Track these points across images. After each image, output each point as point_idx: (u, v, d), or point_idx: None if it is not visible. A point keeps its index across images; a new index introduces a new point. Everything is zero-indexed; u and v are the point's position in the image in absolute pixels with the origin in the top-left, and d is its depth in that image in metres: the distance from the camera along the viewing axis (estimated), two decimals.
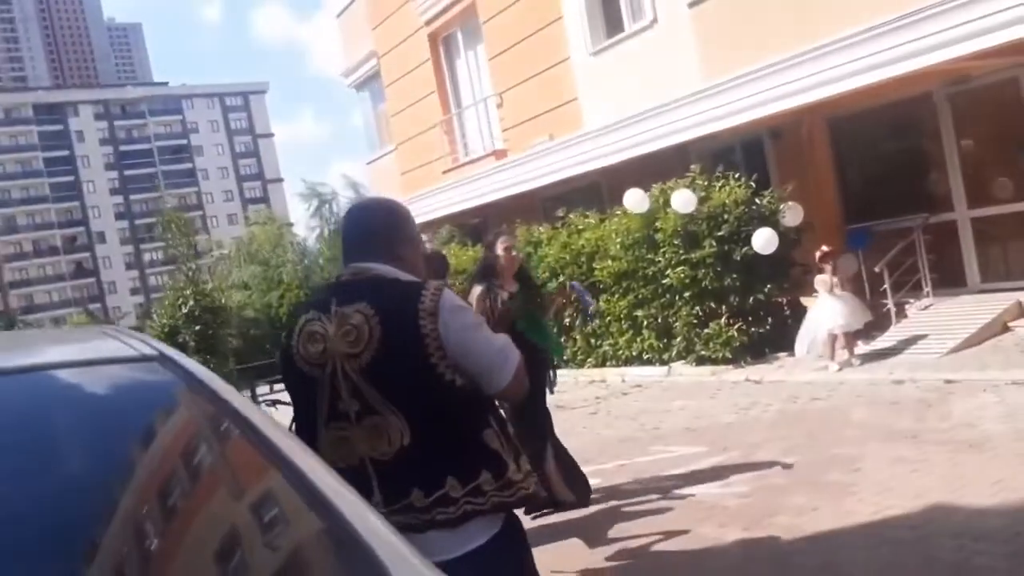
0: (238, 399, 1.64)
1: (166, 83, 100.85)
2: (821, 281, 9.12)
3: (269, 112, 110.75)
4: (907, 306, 9.83)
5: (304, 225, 42.57)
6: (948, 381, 7.48)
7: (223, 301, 20.53)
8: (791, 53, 9.19)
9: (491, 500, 2.15)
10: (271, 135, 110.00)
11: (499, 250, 5.35)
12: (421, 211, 16.49)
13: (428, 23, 16.32)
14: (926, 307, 9.69)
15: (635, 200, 10.68)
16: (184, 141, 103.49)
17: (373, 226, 2.39)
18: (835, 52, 8.76)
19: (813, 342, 9.13)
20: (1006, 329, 8.72)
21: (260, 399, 10.52)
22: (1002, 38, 7.55)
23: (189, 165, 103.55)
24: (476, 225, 15.73)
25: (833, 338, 8.92)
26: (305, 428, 2.28)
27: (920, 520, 4.51)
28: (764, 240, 9.64)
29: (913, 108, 10.33)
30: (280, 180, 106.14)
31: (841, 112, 10.62)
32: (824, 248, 9.30)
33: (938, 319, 9.27)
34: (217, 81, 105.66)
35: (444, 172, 16.17)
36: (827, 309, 8.97)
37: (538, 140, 13.66)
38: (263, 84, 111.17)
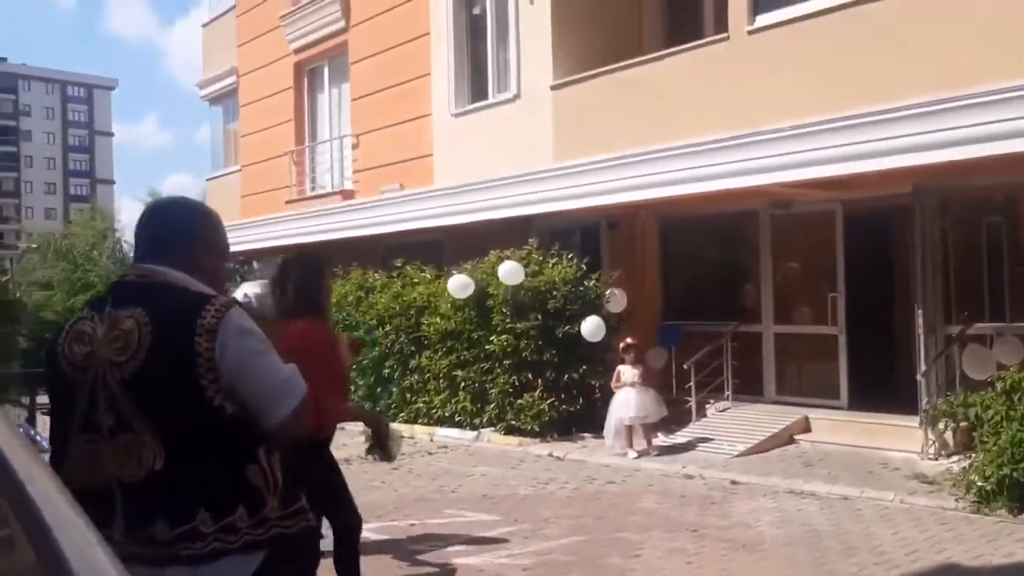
0: None
1: (4, 59, 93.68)
2: (623, 372, 9.45)
3: (113, 110, 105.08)
4: (708, 406, 10.34)
5: (131, 231, 40.33)
6: (734, 482, 7.87)
7: (18, 296, 18.95)
8: (633, 151, 9.66)
9: (243, 539, 1.99)
10: (111, 134, 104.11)
11: None
12: (257, 237, 16.02)
13: (297, 52, 16.10)
14: (724, 409, 10.23)
15: (459, 285, 10.70)
16: (12, 123, 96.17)
17: (172, 226, 2.20)
18: (672, 158, 9.27)
19: (614, 429, 9.39)
20: (792, 440, 9.32)
21: (39, 408, 9.70)
22: (822, 173, 8.24)
23: (13, 149, 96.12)
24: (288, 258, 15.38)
25: (628, 428, 9.22)
26: (58, 437, 2.08)
27: None
28: (592, 328, 9.99)
29: (739, 222, 11.05)
30: (111, 182, 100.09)
31: (674, 214, 11.22)
32: (628, 340, 9.64)
33: (733, 422, 9.79)
34: (61, 68, 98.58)
35: (287, 202, 15.81)
36: (626, 400, 9.27)
37: (388, 187, 13.64)
38: (112, 80, 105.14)
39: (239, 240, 16.94)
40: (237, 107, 17.96)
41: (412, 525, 6.58)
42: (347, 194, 14.70)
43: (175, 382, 1.98)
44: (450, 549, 5.92)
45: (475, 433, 10.72)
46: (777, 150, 8.41)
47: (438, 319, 11.26)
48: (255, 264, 21.33)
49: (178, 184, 72.04)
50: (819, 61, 8.64)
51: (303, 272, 4.08)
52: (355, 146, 14.78)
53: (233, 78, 17.97)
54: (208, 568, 1.96)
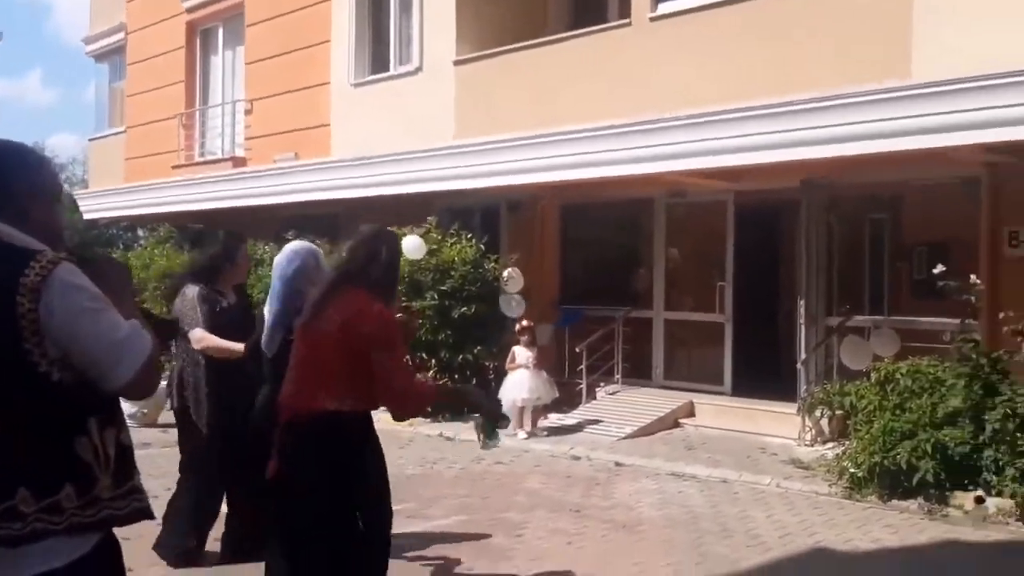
0: None
1: None
2: (517, 353, 9.46)
3: None
4: (598, 389, 10.44)
5: None
6: (618, 464, 7.95)
7: None
8: (535, 133, 9.60)
9: (70, 520, 1.83)
10: None
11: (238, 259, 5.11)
12: (142, 203, 15.32)
13: (190, 11, 15.40)
14: (614, 392, 10.34)
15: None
16: None
17: None
18: (572, 142, 9.26)
19: (510, 410, 9.39)
20: (676, 424, 9.49)
21: None
22: (717, 163, 8.36)
23: None
24: (199, 231, 14.83)
25: (520, 409, 9.23)
26: None
27: None
28: (514, 304, 10.14)
29: (636, 209, 11.16)
30: None
31: (574, 198, 11.25)
32: (524, 322, 9.71)
33: (622, 405, 9.90)
34: None
35: (175, 167, 15.14)
36: (519, 381, 9.30)
37: (282, 156, 13.21)
38: None
39: (123, 205, 16.17)
40: (124, 65, 17.09)
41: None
42: (238, 161, 14.18)
43: None
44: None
45: None
46: (674, 138, 8.49)
47: None
48: (139, 231, 20.45)
49: (62, 143, 68.01)
50: (720, 51, 8.75)
51: (390, 249, 3.67)
52: (248, 112, 14.25)
53: (121, 34, 17.08)
54: (29, 550, 1.79)
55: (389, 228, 4.21)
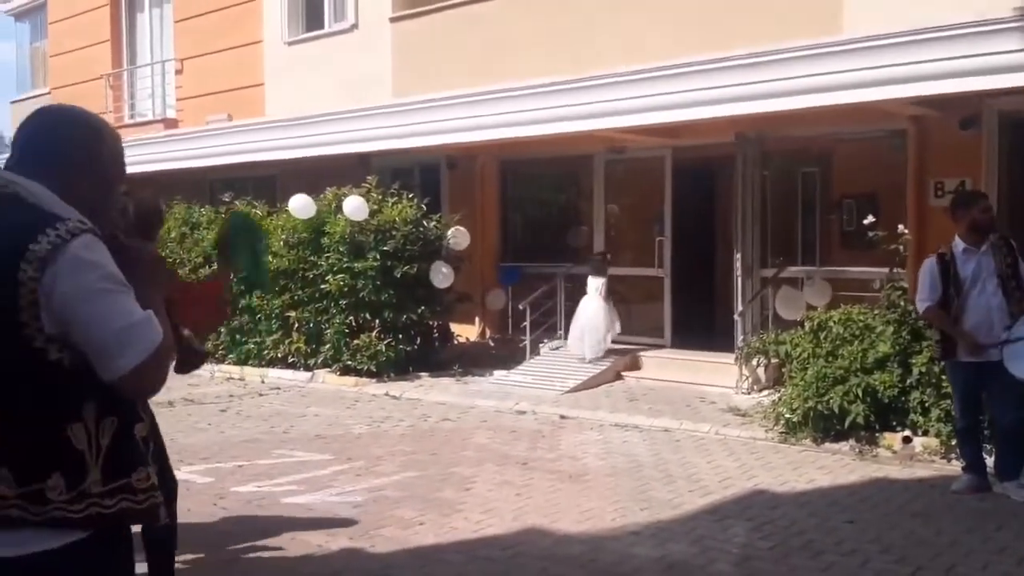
0: None
1: None
2: (589, 282, 9.97)
3: None
4: (542, 344, 10.58)
5: None
6: (563, 417, 8.11)
7: None
8: (473, 90, 9.57)
9: (52, 513, 1.71)
10: None
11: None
12: None
13: None
14: (557, 348, 10.49)
15: (300, 205, 10.36)
16: None
17: (45, 135, 1.86)
18: (512, 99, 9.26)
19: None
20: (619, 377, 9.70)
21: None
22: (655, 119, 8.46)
23: None
24: (126, 192, 14.46)
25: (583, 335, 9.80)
26: None
27: (514, 541, 4.78)
28: (442, 276, 10.07)
29: (576, 167, 11.24)
30: None
31: (513, 156, 11.27)
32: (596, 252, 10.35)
33: (565, 360, 10.06)
34: None
35: None
36: (584, 309, 9.85)
37: (215, 117, 12.94)
38: None
39: None
40: (46, 24, 16.46)
41: (239, 467, 6.39)
42: (170, 123, 13.86)
43: None
44: (279, 489, 5.80)
45: (309, 374, 10.50)
46: (613, 95, 8.55)
47: (270, 257, 10.85)
48: None
49: None
50: (659, 7, 8.82)
51: None
52: (179, 72, 13.91)
53: None
54: (15, 533, 1.70)
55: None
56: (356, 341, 10.19)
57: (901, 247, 7.16)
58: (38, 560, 1.71)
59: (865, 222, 7.48)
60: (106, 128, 1.97)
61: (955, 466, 5.98)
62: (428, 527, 5.01)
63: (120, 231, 3.63)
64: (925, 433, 6.46)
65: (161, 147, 13.24)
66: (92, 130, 1.92)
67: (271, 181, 12.95)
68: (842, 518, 5.10)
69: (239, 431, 7.73)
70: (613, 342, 10.02)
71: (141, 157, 13.41)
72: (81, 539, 1.74)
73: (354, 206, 10.07)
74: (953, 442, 6.09)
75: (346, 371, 10.23)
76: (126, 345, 1.70)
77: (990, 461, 5.65)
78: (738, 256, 9.40)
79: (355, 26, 11.58)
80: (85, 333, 1.70)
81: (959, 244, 5.55)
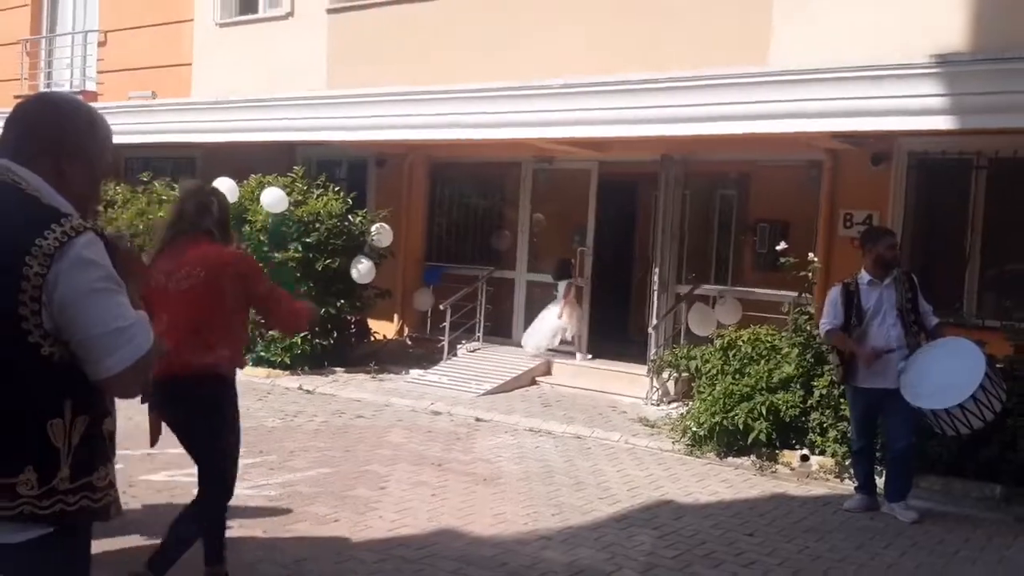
0: None
1: None
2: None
3: None
4: (459, 346, 10.65)
5: None
6: (478, 419, 8.21)
7: None
8: (407, 89, 9.58)
9: (21, 508, 1.72)
10: None
11: None
12: None
13: None
14: (475, 350, 10.58)
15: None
16: None
17: (38, 120, 1.85)
18: (444, 101, 9.30)
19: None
20: (534, 383, 9.85)
21: None
22: (584, 133, 8.64)
23: None
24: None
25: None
26: None
27: (428, 542, 4.85)
28: (365, 271, 10.03)
29: (505, 173, 11.35)
30: None
31: (443, 157, 11.32)
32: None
33: (482, 363, 10.16)
34: None
35: (16, 97, 14.10)
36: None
37: (138, 94, 12.59)
38: None
39: None
40: None
41: (149, 455, 6.25)
42: (89, 96, 13.36)
43: None
44: (190, 479, 5.70)
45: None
46: (544, 106, 8.69)
47: None
48: None
49: None
50: (596, 24, 9.01)
51: (220, 202, 3.96)
52: (101, 43, 13.48)
53: None
54: None
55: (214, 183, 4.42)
56: (271, 332, 10.07)
57: (810, 274, 7.50)
58: None
59: (777, 248, 7.80)
60: (89, 113, 1.97)
61: (848, 485, 6.31)
62: (343, 524, 5.04)
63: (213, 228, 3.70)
64: (822, 453, 6.78)
65: None
66: (79, 115, 1.92)
67: (191, 163, 12.67)
68: (743, 531, 5.33)
69: (147, 419, 7.55)
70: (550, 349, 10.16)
71: None
72: (42, 535, 1.76)
73: (273, 198, 9.91)
74: (848, 462, 6.43)
75: (259, 362, 10.09)
76: (118, 347, 1.74)
77: (881, 482, 5.99)
78: (655, 271, 9.66)
79: (291, 13, 11.44)
80: (81, 331, 1.72)
81: (864, 276, 5.87)
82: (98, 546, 4.23)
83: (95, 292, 1.73)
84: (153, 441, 3.85)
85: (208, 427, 3.77)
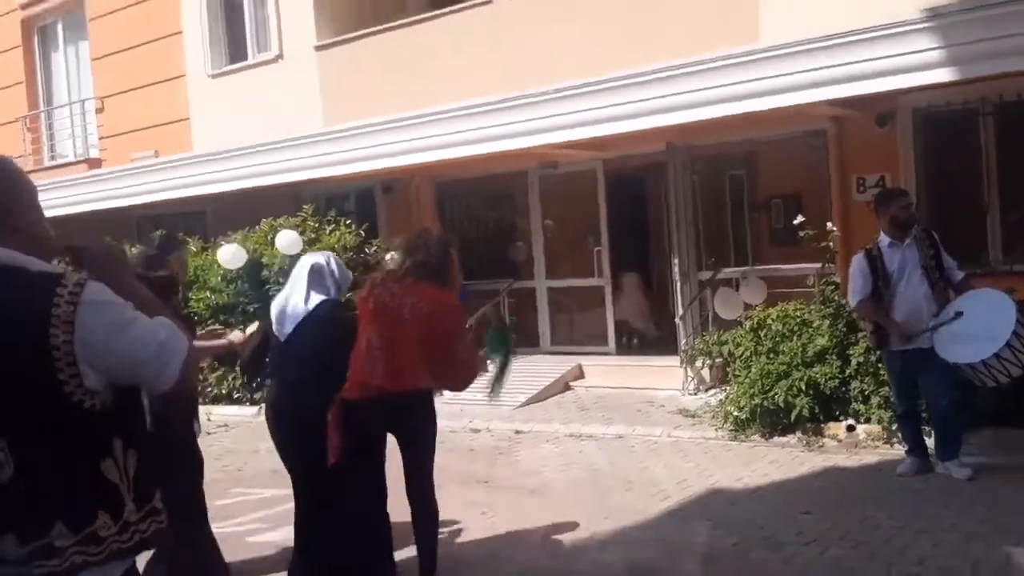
0: None
1: None
2: None
3: None
4: (489, 361, 10.61)
5: None
6: (518, 432, 8.20)
7: None
8: (403, 115, 9.61)
9: (109, 548, 1.79)
10: None
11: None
12: None
13: (23, 7, 14.54)
14: None
15: (228, 255, 10.18)
16: None
17: None
18: (442, 122, 9.32)
19: None
20: (567, 388, 9.83)
21: None
22: (585, 134, 8.63)
23: None
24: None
25: None
26: None
27: (486, 558, 4.85)
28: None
29: (511, 183, 11.36)
30: None
31: (449, 177, 11.35)
32: None
33: (514, 375, 9.91)
34: None
35: None
36: None
37: (141, 154, 12.72)
38: None
39: None
40: None
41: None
42: (93, 163, 13.56)
43: (27, 383, 1.74)
44: (242, 528, 5.75)
45: (256, 409, 10.35)
46: (543, 112, 8.69)
47: (208, 293, 10.72)
48: None
49: None
50: (583, 22, 9.01)
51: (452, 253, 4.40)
52: (99, 110, 13.64)
53: None
54: None
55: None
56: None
57: (830, 243, 7.45)
58: None
59: (795, 222, 7.76)
60: (10, 161, 2.00)
61: (898, 450, 6.24)
62: (400, 553, 5.03)
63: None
64: (867, 421, 6.72)
65: (85, 188, 12.92)
66: (14, 171, 1.96)
67: (201, 217, 12.78)
68: (798, 509, 5.29)
69: None
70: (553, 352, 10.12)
71: (65, 199, 13.09)
72: (128, 568, 1.86)
73: (287, 241, 9.96)
74: (894, 427, 6.37)
75: None
76: (167, 358, 1.84)
77: (931, 443, 5.93)
78: (675, 261, 9.63)
79: (280, 56, 11.54)
80: (126, 365, 1.81)
81: (884, 239, 5.83)
82: None
83: (123, 325, 1.81)
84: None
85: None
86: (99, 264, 1.96)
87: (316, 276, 4.48)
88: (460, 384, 4.32)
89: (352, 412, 4.07)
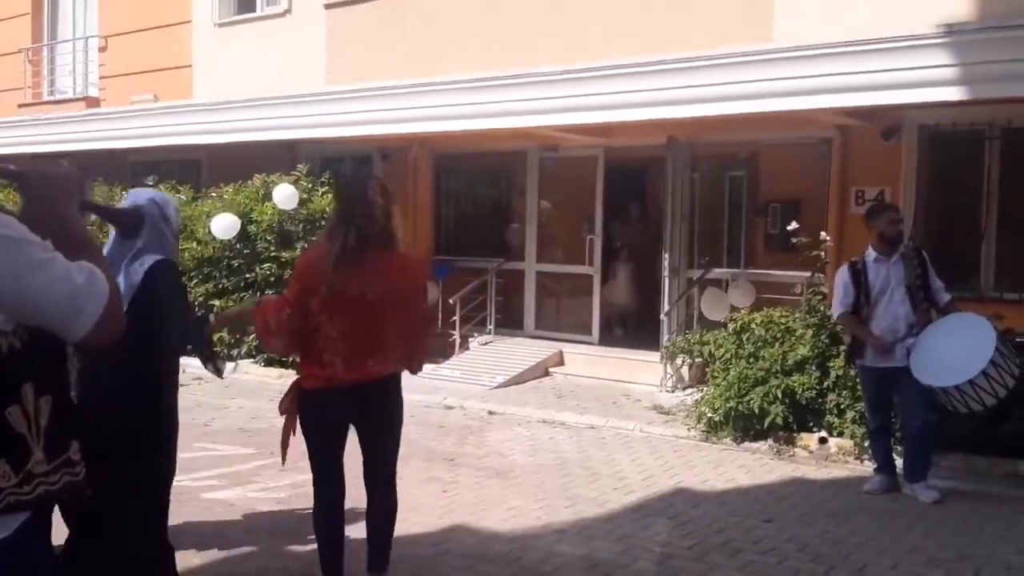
0: None
1: None
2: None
3: None
4: (471, 339, 10.57)
5: None
6: (491, 412, 8.14)
7: None
8: (408, 82, 9.47)
9: (7, 499, 1.70)
10: None
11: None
12: None
13: None
14: (486, 343, 10.51)
15: (223, 226, 9.94)
16: None
17: None
18: (445, 92, 9.18)
19: None
20: (547, 373, 9.76)
21: None
22: (587, 119, 8.51)
23: None
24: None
25: None
26: None
27: (440, 539, 4.78)
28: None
29: (510, 162, 11.25)
30: None
31: (447, 149, 11.23)
32: None
33: (494, 356, 10.09)
34: None
35: (20, 106, 14.15)
36: None
37: (140, 97, 12.55)
38: None
39: None
40: None
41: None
42: (92, 101, 13.39)
43: None
44: (198, 483, 5.67)
45: (232, 364, 10.29)
46: (548, 93, 8.56)
47: (195, 244, 10.61)
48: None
49: None
50: (602, 8, 8.87)
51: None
52: (103, 49, 13.45)
53: None
54: None
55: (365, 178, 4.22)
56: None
57: (822, 253, 7.36)
58: None
59: (789, 228, 7.66)
60: None
61: (868, 467, 6.19)
62: (353, 524, 4.95)
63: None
64: (840, 434, 6.67)
65: (82, 126, 12.76)
66: None
67: (195, 165, 12.65)
68: (760, 517, 5.23)
69: None
70: (536, 337, 10.02)
71: (61, 136, 12.96)
72: (28, 518, 1.75)
73: (285, 195, 9.87)
74: (866, 443, 6.31)
75: (270, 362, 10.06)
76: (81, 304, 1.71)
77: (900, 462, 5.87)
78: (666, 256, 9.54)
79: (288, 11, 11.37)
80: (38, 306, 1.68)
81: (871, 253, 5.76)
82: None
83: (34, 265, 1.67)
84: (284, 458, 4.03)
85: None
86: (34, 192, 1.84)
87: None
88: (424, 355, 3.93)
89: (310, 403, 3.81)
